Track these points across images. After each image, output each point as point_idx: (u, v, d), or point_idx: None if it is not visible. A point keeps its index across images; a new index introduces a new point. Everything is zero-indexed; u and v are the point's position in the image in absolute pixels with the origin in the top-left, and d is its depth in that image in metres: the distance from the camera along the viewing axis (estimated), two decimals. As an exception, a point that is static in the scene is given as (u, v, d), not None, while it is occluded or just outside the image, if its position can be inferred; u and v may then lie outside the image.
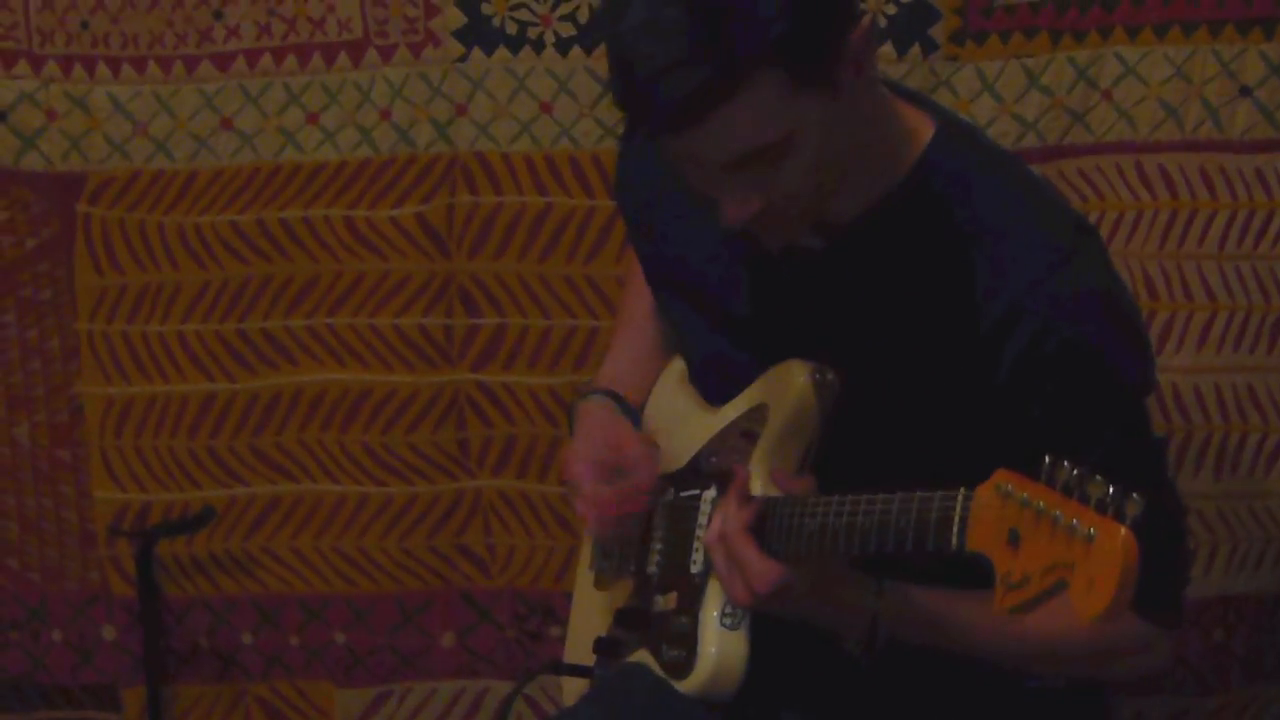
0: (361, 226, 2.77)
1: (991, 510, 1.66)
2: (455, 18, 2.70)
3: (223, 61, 2.75)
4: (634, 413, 2.26)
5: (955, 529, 1.72)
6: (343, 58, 2.73)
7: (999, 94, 2.61)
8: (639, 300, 2.37)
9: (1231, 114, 2.57)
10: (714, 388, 2.19)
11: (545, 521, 2.84)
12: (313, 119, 2.76)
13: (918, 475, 1.83)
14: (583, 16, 2.68)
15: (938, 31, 2.61)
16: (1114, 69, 2.57)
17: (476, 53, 2.70)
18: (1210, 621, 2.71)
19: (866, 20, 1.87)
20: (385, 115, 2.74)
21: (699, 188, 1.92)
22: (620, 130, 2.60)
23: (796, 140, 1.85)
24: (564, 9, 2.68)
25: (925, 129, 2.00)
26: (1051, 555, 1.57)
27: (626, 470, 2.15)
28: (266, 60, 2.75)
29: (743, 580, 1.92)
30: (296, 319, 2.81)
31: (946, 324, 1.95)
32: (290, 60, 2.74)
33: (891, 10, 2.60)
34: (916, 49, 2.61)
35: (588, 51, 2.68)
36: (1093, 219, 2.58)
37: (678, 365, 2.31)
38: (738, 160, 1.85)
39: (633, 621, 2.18)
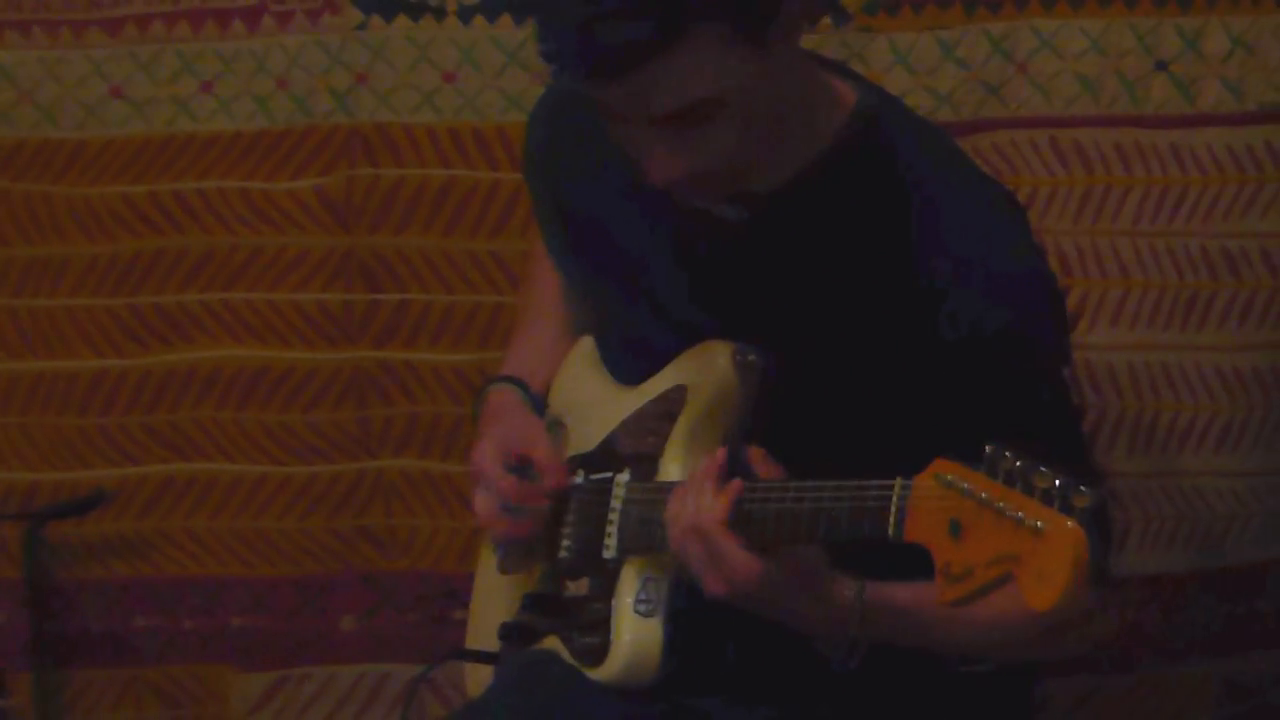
0: (258, 199, 2.72)
1: (931, 500, 1.63)
2: None
3: (112, 27, 2.70)
4: (539, 401, 2.23)
5: (893, 518, 1.70)
6: (238, 24, 2.68)
7: (912, 66, 2.59)
8: (544, 282, 2.33)
9: (1147, 88, 2.56)
10: (630, 368, 2.15)
11: (449, 502, 2.80)
12: (206, 88, 2.70)
13: (856, 458, 1.82)
14: (486, -17, 2.64)
15: (850, 2, 2.59)
16: (1030, 41, 2.56)
17: (376, 20, 2.66)
18: (1122, 600, 2.70)
19: None
20: (282, 84, 2.69)
21: (623, 145, 1.90)
22: (529, 99, 2.53)
23: (728, 99, 1.83)
24: (467, -25, 2.64)
25: (848, 98, 1.98)
26: (995, 547, 1.55)
27: (533, 471, 2.12)
28: (158, 26, 2.69)
29: (721, 573, 1.87)
30: (191, 294, 2.76)
31: (877, 297, 1.94)
32: (183, 26, 2.68)
33: (804, -20, 2.57)
34: (828, 20, 2.58)
35: (491, 20, 2.64)
36: (1008, 194, 2.56)
37: (586, 345, 2.27)
38: (668, 115, 1.82)
39: (542, 607, 2.15)
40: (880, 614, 1.89)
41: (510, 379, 2.25)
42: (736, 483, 1.87)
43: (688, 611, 2.00)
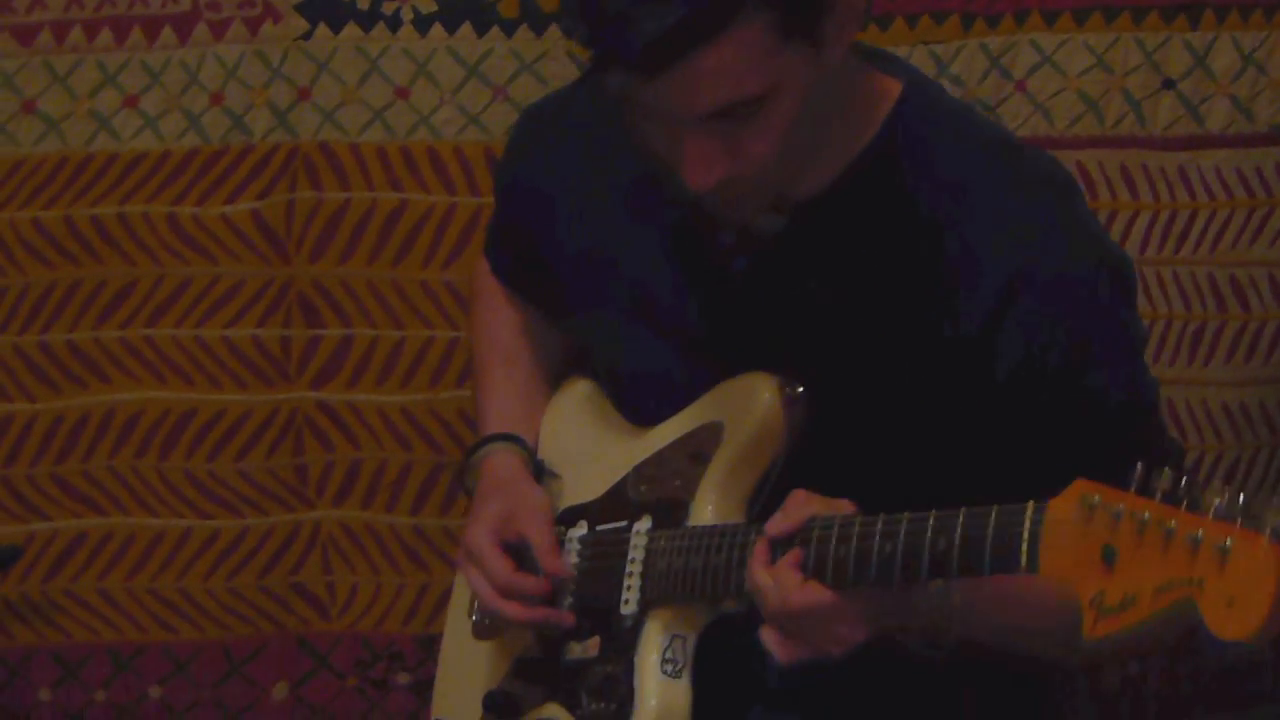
0: (187, 225, 2.60)
1: (1075, 526, 1.51)
2: None
3: (25, 34, 2.57)
4: (540, 464, 2.13)
5: (1025, 549, 1.58)
6: (167, 33, 2.56)
7: (904, 83, 2.50)
8: (505, 319, 2.23)
9: (1154, 108, 2.51)
10: (642, 407, 2.05)
11: (393, 556, 2.69)
12: (131, 102, 2.58)
13: (903, 489, 1.74)
14: (444, -9, 2.54)
15: (839, 14, 2.50)
16: (1030, 58, 2.50)
17: (322, 30, 2.55)
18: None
19: None
20: (217, 99, 2.57)
21: (659, 150, 1.82)
22: (489, 116, 2.51)
23: (776, 96, 1.76)
24: (424, -18, 2.54)
25: (891, 91, 1.91)
26: (1165, 572, 1.43)
27: (530, 555, 2.02)
28: (77, 34, 2.57)
29: (821, 648, 1.77)
30: (109, 330, 2.63)
31: (925, 312, 1.85)
32: (105, 35, 2.56)
33: (789, -8, 2.49)
34: (815, 33, 2.49)
35: (450, 30, 2.52)
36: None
37: (580, 387, 2.17)
38: (713, 113, 1.74)
39: (536, 673, 2.03)
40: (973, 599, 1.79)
41: (509, 437, 2.14)
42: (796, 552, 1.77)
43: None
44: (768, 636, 1.79)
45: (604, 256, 2.03)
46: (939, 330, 1.85)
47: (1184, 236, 2.52)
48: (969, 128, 1.97)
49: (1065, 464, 1.75)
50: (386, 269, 2.59)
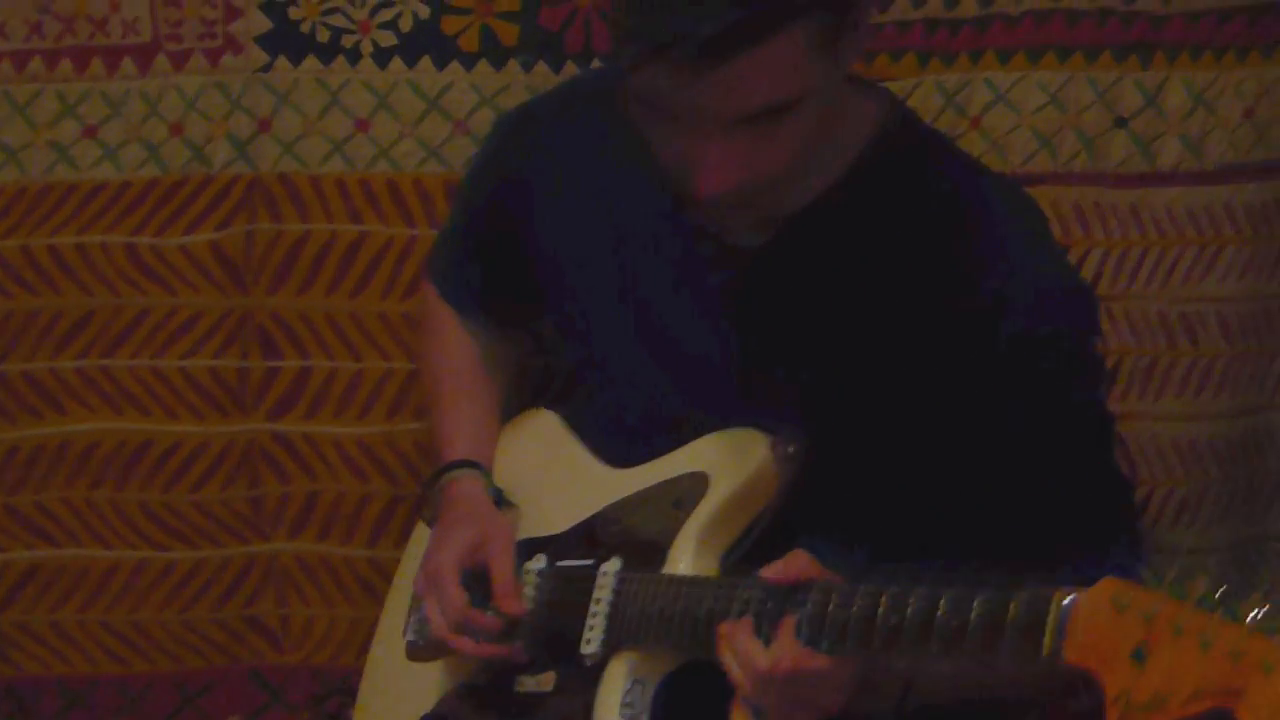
0: (146, 256, 2.55)
1: (1107, 621, 1.50)
2: (259, 22, 2.48)
3: None
4: (499, 492, 2.11)
5: (1048, 637, 1.54)
6: (128, 64, 2.50)
7: (861, 120, 2.48)
8: (458, 347, 2.24)
9: (1107, 146, 2.49)
10: (622, 444, 2.03)
11: (349, 589, 2.64)
12: (90, 132, 2.52)
13: (879, 520, 1.77)
14: (405, 24, 2.47)
15: (796, 52, 2.48)
16: (985, 95, 2.48)
17: (282, 62, 2.50)
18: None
19: None
20: (176, 130, 2.52)
21: (670, 154, 1.80)
22: (449, 149, 2.48)
23: (801, 106, 1.76)
24: (384, 15, 2.48)
25: (871, 114, 1.93)
26: (1199, 679, 1.43)
27: (489, 588, 2.00)
28: (36, 64, 2.51)
29: (813, 714, 1.74)
30: (65, 360, 2.57)
31: (915, 319, 1.86)
32: (65, 65, 2.50)
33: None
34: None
35: (410, 64, 2.48)
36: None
37: (540, 418, 2.17)
38: (747, 116, 1.74)
39: (484, 701, 2.01)
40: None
41: (470, 464, 2.13)
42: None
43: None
44: (741, 708, 1.76)
45: (590, 263, 2.02)
46: (930, 336, 1.85)
47: (1135, 273, 2.50)
48: (951, 149, 2.02)
49: (1039, 473, 1.76)
50: (345, 301, 2.54)
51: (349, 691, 2.60)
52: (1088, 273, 2.49)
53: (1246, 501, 2.60)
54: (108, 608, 2.64)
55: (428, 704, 2.06)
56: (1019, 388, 1.83)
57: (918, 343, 1.85)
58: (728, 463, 1.90)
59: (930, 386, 1.85)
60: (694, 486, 1.91)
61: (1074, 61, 2.45)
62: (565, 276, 2.05)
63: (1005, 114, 2.47)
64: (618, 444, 2.03)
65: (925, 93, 2.47)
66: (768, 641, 1.72)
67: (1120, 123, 2.47)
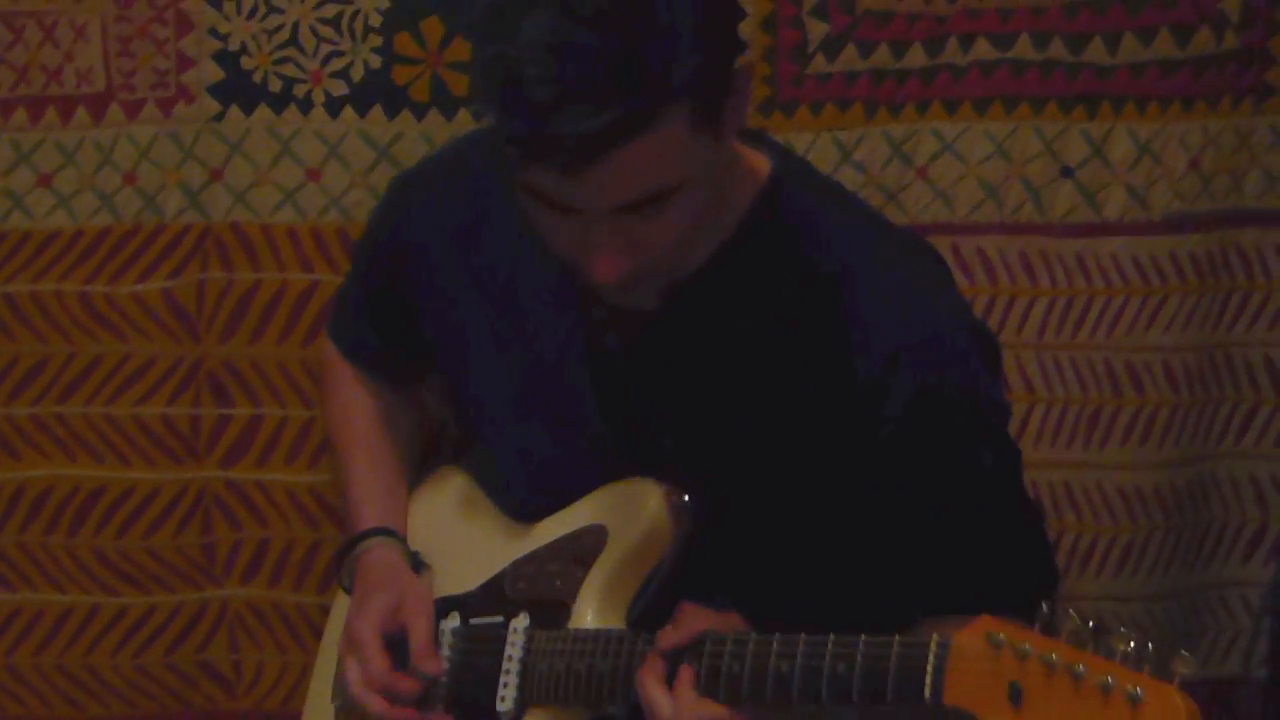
0: (99, 303, 2.53)
1: (980, 662, 1.52)
2: (211, 71, 2.47)
3: None
4: (416, 557, 2.11)
5: (929, 680, 1.57)
6: (81, 113, 2.49)
7: (808, 170, 2.47)
8: (358, 409, 2.22)
9: (1053, 196, 2.48)
10: (525, 500, 2.02)
11: (300, 635, 2.62)
12: (44, 181, 2.51)
13: (785, 584, 1.77)
14: (356, 74, 2.47)
15: (744, 101, 2.48)
16: (931, 145, 2.47)
17: (234, 111, 2.48)
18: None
19: (747, 57, 1.81)
20: (129, 179, 2.50)
21: (560, 243, 1.77)
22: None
23: (687, 185, 1.72)
24: (335, 64, 2.46)
25: (761, 169, 1.90)
26: (1073, 714, 1.45)
27: (410, 653, 2.00)
28: None
29: None
30: (19, 407, 2.56)
31: (812, 378, 1.84)
32: (19, 114, 2.49)
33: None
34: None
35: (361, 114, 2.47)
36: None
37: (450, 478, 2.16)
38: (629, 205, 1.71)
39: None
40: None
41: (384, 531, 2.12)
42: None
43: None
44: None
45: (479, 325, 2.00)
46: (826, 395, 1.83)
47: (1081, 322, 2.49)
48: (846, 199, 1.99)
49: (941, 528, 1.76)
50: (296, 349, 2.52)
51: (300, 736, 2.63)
52: (1034, 321, 2.50)
53: (1191, 549, 2.59)
54: (62, 651, 2.61)
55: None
56: (916, 442, 1.82)
57: (807, 409, 1.84)
58: (624, 515, 1.90)
59: (822, 451, 1.84)
60: (594, 540, 1.91)
61: (1020, 112, 2.45)
62: (454, 338, 2.04)
63: (952, 164, 2.47)
64: (520, 498, 2.02)
65: (872, 143, 2.46)
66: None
67: (1066, 172, 2.47)
